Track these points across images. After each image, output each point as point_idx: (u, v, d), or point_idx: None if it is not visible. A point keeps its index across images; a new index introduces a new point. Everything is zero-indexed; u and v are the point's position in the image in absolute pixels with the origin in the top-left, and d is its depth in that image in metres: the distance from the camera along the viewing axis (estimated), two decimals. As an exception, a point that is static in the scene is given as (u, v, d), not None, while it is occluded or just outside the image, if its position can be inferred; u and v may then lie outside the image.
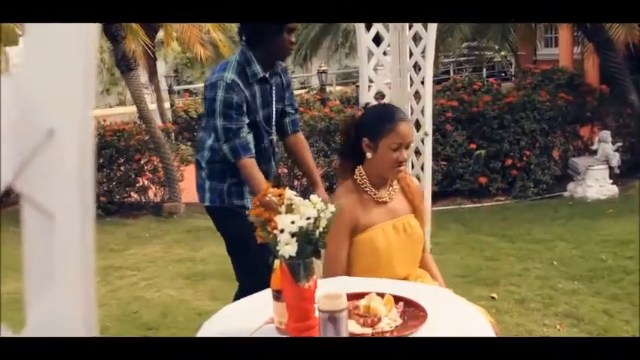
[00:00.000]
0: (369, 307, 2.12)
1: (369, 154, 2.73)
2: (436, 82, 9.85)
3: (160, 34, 11.13)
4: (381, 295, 2.17)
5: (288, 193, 2.10)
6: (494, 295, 4.86)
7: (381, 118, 2.74)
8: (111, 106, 19.20)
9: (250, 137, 3.31)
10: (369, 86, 4.01)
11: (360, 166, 2.79)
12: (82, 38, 0.48)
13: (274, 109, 3.49)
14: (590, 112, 8.97)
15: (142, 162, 9.08)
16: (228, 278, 5.80)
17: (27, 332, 0.55)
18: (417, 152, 4.06)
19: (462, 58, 18.79)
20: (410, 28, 3.97)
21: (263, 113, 3.43)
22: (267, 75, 3.40)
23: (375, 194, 2.75)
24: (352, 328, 2.03)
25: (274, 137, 3.53)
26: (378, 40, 4.02)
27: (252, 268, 3.37)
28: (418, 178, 3.98)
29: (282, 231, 2.03)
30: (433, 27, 3.79)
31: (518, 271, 5.49)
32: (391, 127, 2.69)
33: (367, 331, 2.05)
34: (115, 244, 7.33)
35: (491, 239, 6.58)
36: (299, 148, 3.67)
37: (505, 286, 5.12)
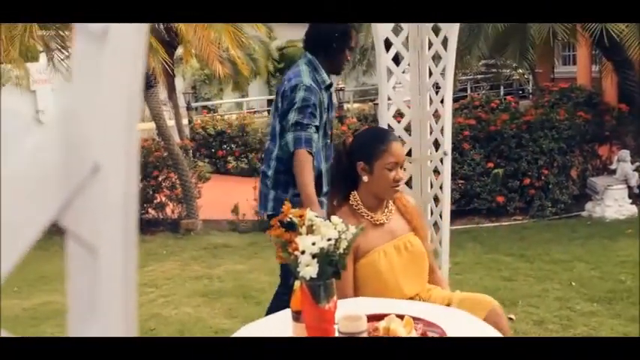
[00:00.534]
0: (389, 329, 2.11)
1: (365, 178, 2.78)
2: (454, 100, 9.79)
3: (179, 51, 11.20)
4: (401, 317, 2.16)
5: (310, 214, 2.11)
6: (512, 317, 4.82)
7: (374, 141, 2.81)
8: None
9: (316, 136, 3.50)
10: (389, 105, 4.02)
11: (355, 192, 2.82)
12: (129, 74, 0.49)
13: (332, 115, 3.75)
14: (608, 131, 8.92)
15: (160, 179, 9.11)
16: (244, 295, 5.82)
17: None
18: (436, 171, 4.06)
19: (479, 76, 18.74)
20: (429, 47, 3.97)
21: (324, 117, 3.62)
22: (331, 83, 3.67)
23: (371, 217, 2.79)
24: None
25: (328, 141, 3.71)
26: (397, 59, 4.03)
27: None
28: (436, 198, 3.98)
29: (303, 252, 2.03)
30: (453, 46, 3.79)
31: (536, 291, 5.44)
32: (385, 147, 2.75)
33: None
34: (133, 261, 7.35)
35: (509, 259, 6.54)
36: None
37: (523, 307, 5.08)
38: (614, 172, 8.33)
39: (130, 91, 0.50)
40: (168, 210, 9.15)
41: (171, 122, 11.30)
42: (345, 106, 15.42)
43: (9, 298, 5.97)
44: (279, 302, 3.46)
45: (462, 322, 2.32)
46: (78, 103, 0.49)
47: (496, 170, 8.44)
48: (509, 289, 5.55)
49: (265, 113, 18.93)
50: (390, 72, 4.01)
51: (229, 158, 12.85)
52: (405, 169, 2.85)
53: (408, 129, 4.12)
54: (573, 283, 5.58)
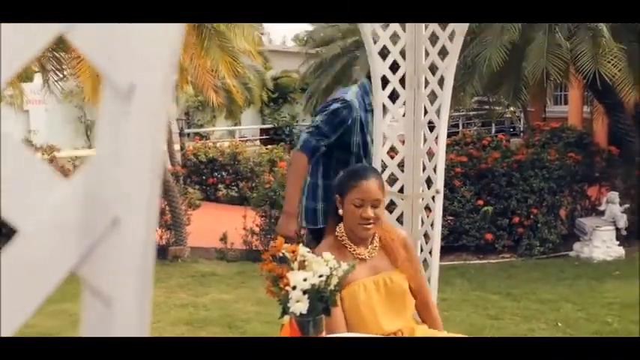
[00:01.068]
0: None
1: (340, 211, 2.81)
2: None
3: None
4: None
5: (302, 250, 2.12)
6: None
7: (349, 176, 2.86)
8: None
9: (323, 149, 3.63)
10: (384, 142, 4.03)
11: (341, 224, 2.83)
12: (153, 131, 0.50)
13: (368, 138, 3.88)
14: (598, 173, 8.99)
15: (150, 204, 9.07)
16: (229, 325, 5.78)
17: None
18: (427, 209, 4.06)
19: (471, 112, 18.87)
20: (426, 86, 4.00)
21: (362, 138, 3.79)
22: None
23: (354, 250, 2.78)
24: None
25: (364, 160, 3.85)
26: (392, 96, 4.05)
27: None
28: (427, 235, 3.98)
29: (294, 288, 2.04)
30: (449, 86, 3.82)
31: (522, 331, 5.44)
32: (355, 184, 2.76)
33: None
34: (119, 286, 7.30)
35: (496, 297, 6.54)
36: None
37: (510, 346, 5.06)
38: (602, 213, 8.37)
39: (153, 148, 0.51)
40: (156, 236, 9.10)
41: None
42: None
43: None
44: None
45: None
46: (102, 161, 0.50)
47: (485, 208, 8.48)
48: (495, 327, 5.54)
49: (257, 142, 18.95)
50: (385, 109, 4.03)
51: (220, 186, 12.85)
52: (377, 209, 2.80)
53: (401, 165, 4.13)
54: (559, 324, 5.58)
